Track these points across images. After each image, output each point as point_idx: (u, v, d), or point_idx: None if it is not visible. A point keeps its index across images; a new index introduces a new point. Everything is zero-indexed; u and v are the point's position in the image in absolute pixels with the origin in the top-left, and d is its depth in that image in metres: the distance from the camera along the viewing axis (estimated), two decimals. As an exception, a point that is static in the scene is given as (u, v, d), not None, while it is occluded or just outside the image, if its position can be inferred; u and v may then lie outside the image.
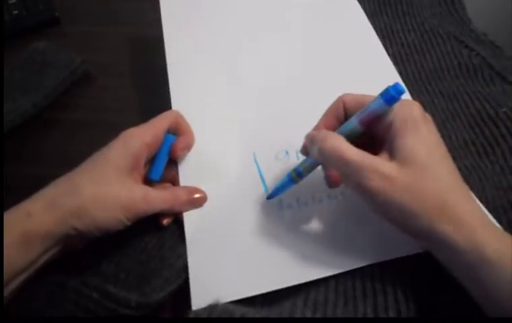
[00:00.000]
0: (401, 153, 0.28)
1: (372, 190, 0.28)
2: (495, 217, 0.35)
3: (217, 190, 0.37)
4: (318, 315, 0.30)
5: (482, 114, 0.44)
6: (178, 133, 0.38)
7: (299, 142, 0.41)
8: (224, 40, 0.50)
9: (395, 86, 0.29)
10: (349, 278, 0.33)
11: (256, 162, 0.40)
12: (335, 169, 0.31)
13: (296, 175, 0.34)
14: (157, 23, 0.49)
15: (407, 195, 0.28)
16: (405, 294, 0.31)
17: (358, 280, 0.32)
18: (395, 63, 0.49)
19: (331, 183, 0.34)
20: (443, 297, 0.31)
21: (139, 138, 0.35)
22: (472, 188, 0.37)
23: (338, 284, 0.32)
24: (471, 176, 0.39)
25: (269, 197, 0.37)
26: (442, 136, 0.42)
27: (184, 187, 0.37)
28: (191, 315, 0.30)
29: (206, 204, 0.37)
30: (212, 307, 0.30)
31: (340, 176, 0.32)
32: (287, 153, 0.40)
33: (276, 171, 0.39)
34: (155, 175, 0.37)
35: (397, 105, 0.30)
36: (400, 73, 0.48)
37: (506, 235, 0.28)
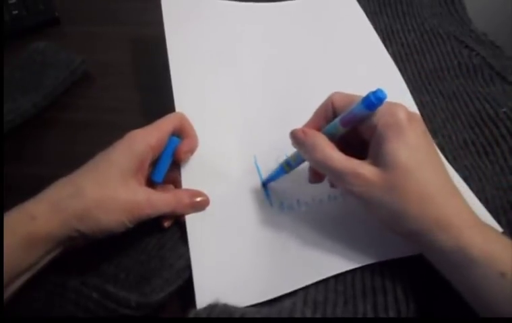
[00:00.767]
0: (383, 159, 0.29)
1: (355, 194, 0.30)
2: (495, 217, 0.35)
3: (219, 191, 0.37)
4: (318, 315, 0.30)
5: (482, 114, 0.44)
6: (182, 136, 0.38)
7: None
8: (226, 43, 0.50)
9: (376, 93, 0.29)
10: (349, 277, 0.33)
11: (257, 165, 0.40)
12: (317, 167, 0.32)
13: (287, 165, 0.36)
14: (157, 23, 0.49)
15: (389, 198, 0.28)
16: (405, 293, 0.31)
17: (358, 280, 0.32)
18: (395, 63, 0.49)
19: (312, 179, 0.35)
20: (443, 296, 0.31)
21: (144, 141, 0.35)
22: (472, 188, 0.37)
23: (338, 284, 0.32)
24: (471, 176, 0.39)
25: (264, 184, 0.39)
26: (442, 136, 0.43)
27: (187, 190, 0.37)
28: (191, 315, 0.30)
29: (208, 207, 0.37)
30: (212, 307, 0.30)
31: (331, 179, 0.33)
32: (287, 156, 0.40)
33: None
34: (158, 177, 0.37)
35: (381, 109, 0.30)
36: (400, 73, 0.48)
37: (494, 234, 0.28)
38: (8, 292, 0.29)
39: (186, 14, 0.51)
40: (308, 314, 0.30)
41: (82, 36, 0.56)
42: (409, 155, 0.29)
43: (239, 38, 0.51)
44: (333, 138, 0.32)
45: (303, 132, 0.33)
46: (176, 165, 0.38)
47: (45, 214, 0.29)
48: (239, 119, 0.43)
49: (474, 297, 0.27)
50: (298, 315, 0.29)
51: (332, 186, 0.36)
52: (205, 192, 0.37)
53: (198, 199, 0.36)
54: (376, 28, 0.54)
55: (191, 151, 0.39)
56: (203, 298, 0.31)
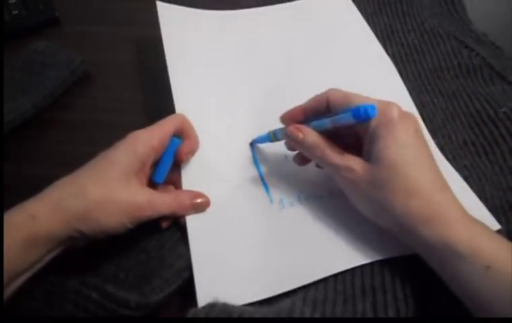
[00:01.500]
0: (373, 155, 0.31)
1: (343, 187, 0.33)
2: (494, 217, 0.35)
3: (219, 192, 0.37)
4: (317, 314, 0.30)
5: (482, 114, 0.44)
6: (183, 137, 0.38)
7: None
8: (224, 44, 0.50)
9: (367, 109, 0.29)
10: (348, 276, 0.33)
11: (257, 164, 0.40)
12: (316, 161, 0.35)
13: (274, 137, 0.38)
14: (157, 23, 0.49)
15: (377, 193, 0.30)
16: (404, 292, 0.31)
17: (357, 279, 0.32)
18: (395, 63, 0.49)
19: (298, 161, 0.37)
20: (442, 295, 0.31)
21: (146, 141, 0.35)
22: (472, 188, 0.37)
23: (337, 283, 0.32)
24: (471, 176, 0.39)
25: (252, 143, 0.41)
26: (442, 136, 0.43)
27: (188, 191, 0.37)
28: (190, 315, 0.30)
29: (208, 208, 0.37)
30: (211, 306, 0.30)
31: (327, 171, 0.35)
32: (286, 157, 0.40)
33: (276, 172, 0.39)
34: (159, 178, 0.37)
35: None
36: (400, 73, 0.48)
37: (480, 227, 0.28)
38: (8, 291, 0.29)
39: (183, 19, 0.51)
40: (308, 313, 0.30)
41: (82, 35, 0.56)
42: (398, 152, 0.30)
43: (237, 40, 0.51)
44: (320, 132, 0.34)
45: (298, 130, 0.34)
46: (177, 166, 0.38)
47: (46, 214, 0.29)
48: (239, 120, 0.43)
49: (461, 291, 0.28)
50: (297, 314, 0.29)
51: (300, 164, 0.38)
52: (206, 192, 0.37)
53: (199, 200, 0.36)
54: (376, 28, 0.54)
55: (192, 151, 0.39)
56: (204, 297, 0.31)
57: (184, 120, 0.39)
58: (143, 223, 0.33)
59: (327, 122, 0.33)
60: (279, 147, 0.41)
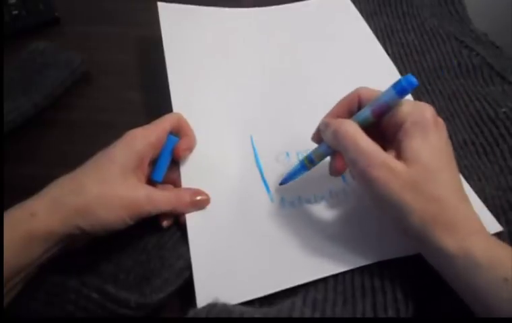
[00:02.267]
0: (406, 153, 0.29)
1: (376, 180, 0.29)
2: (494, 217, 0.35)
3: (219, 190, 0.37)
4: (317, 314, 0.30)
5: (482, 114, 0.44)
6: (180, 135, 0.39)
7: (299, 143, 0.41)
8: (223, 43, 0.50)
9: (407, 78, 0.29)
10: (348, 276, 0.33)
11: (257, 163, 0.40)
12: (345, 153, 0.31)
13: (308, 162, 0.36)
14: (157, 23, 0.49)
15: (406, 193, 0.28)
16: (404, 293, 0.31)
17: (357, 279, 0.32)
18: (395, 63, 0.49)
19: (334, 171, 0.35)
20: (442, 296, 0.31)
21: (143, 138, 0.35)
22: (472, 188, 0.37)
23: (337, 283, 0.32)
24: (471, 176, 0.39)
25: (282, 183, 0.38)
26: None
27: (188, 188, 0.37)
28: (190, 315, 0.30)
29: (208, 205, 0.37)
30: (211, 306, 0.30)
31: (347, 161, 0.32)
32: (287, 154, 0.40)
33: (277, 172, 0.39)
34: (158, 176, 0.37)
35: (410, 107, 0.31)
36: (400, 73, 0.48)
37: (497, 241, 0.28)
38: (8, 288, 0.29)
39: (183, 18, 0.51)
40: (308, 313, 0.30)
41: (82, 35, 0.56)
42: (432, 156, 0.29)
43: (235, 40, 0.51)
44: (360, 127, 0.31)
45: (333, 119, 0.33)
46: (176, 165, 0.38)
47: (45, 211, 0.29)
48: (238, 118, 0.43)
49: (477, 302, 0.27)
50: (297, 314, 0.29)
51: (332, 174, 0.35)
52: (206, 190, 0.37)
53: (198, 198, 0.36)
54: (376, 28, 0.54)
55: (190, 149, 0.39)
56: (203, 296, 0.31)
57: (180, 117, 0.39)
58: (143, 220, 0.33)
59: (366, 112, 0.32)
60: (279, 147, 0.41)
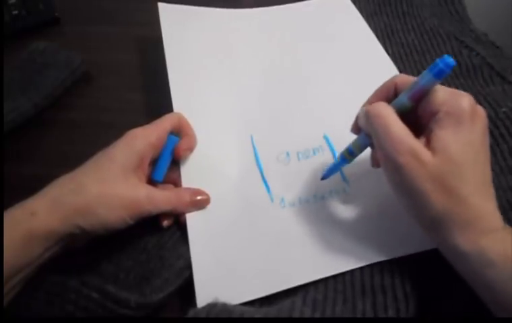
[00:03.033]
0: (435, 143, 0.28)
1: (401, 167, 0.28)
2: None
3: (219, 190, 0.37)
4: (317, 314, 0.30)
5: (482, 114, 0.44)
6: (180, 134, 0.39)
7: (300, 143, 0.41)
8: (224, 43, 0.50)
9: (444, 59, 0.28)
10: (348, 276, 0.33)
11: (257, 163, 0.40)
12: (374, 135, 0.31)
13: (348, 154, 0.35)
14: (157, 23, 0.49)
15: (428, 184, 0.28)
16: (404, 292, 0.31)
17: (357, 279, 0.32)
18: (395, 63, 0.49)
19: (375, 163, 0.34)
20: (442, 296, 0.31)
21: (143, 138, 0.35)
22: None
23: (337, 283, 0.32)
24: (471, 176, 0.39)
25: (323, 178, 0.37)
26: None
27: (188, 188, 0.37)
28: (190, 315, 0.30)
29: (208, 205, 0.37)
30: (211, 306, 0.30)
31: (375, 144, 0.31)
32: (288, 154, 0.40)
33: (277, 172, 0.39)
34: (158, 176, 0.37)
35: (446, 95, 0.29)
36: (400, 73, 0.48)
37: None
38: (7, 287, 0.29)
39: (183, 19, 0.51)
40: (308, 313, 0.30)
41: (82, 35, 0.56)
42: (460, 149, 0.28)
43: (236, 40, 0.51)
44: (397, 114, 0.30)
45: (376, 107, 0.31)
46: (176, 165, 0.38)
47: (45, 210, 0.29)
48: (238, 118, 0.43)
49: (491, 298, 0.27)
50: (297, 314, 0.29)
51: (374, 166, 0.35)
52: (206, 190, 0.37)
53: (198, 197, 0.36)
54: (376, 28, 0.54)
55: (190, 148, 0.39)
56: (203, 296, 0.32)
57: (180, 117, 0.39)
58: (143, 221, 0.33)
59: (403, 97, 0.31)
60: (280, 147, 0.41)
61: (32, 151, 0.44)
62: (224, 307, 0.30)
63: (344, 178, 0.39)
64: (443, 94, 0.29)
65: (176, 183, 0.38)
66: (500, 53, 0.51)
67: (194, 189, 0.37)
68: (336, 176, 0.38)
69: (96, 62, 0.51)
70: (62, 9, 0.58)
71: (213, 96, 0.45)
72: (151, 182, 0.37)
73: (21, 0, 0.56)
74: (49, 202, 0.30)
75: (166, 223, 0.35)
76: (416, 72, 0.50)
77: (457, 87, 0.48)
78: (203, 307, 0.30)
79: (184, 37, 0.50)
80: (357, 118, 0.34)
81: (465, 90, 0.31)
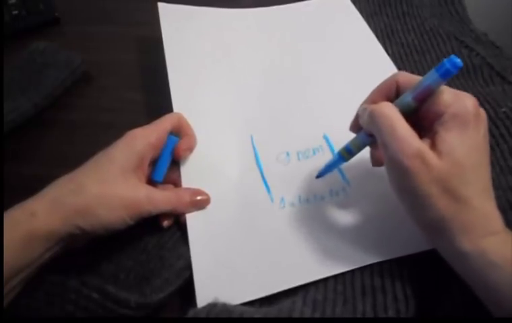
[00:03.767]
0: (441, 146, 0.28)
1: (407, 169, 0.28)
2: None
3: (219, 190, 0.37)
4: (317, 314, 0.30)
5: (482, 114, 0.44)
6: (180, 135, 0.39)
7: (300, 143, 0.41)
8: (224, 43, 0.50)
9: (451, 59, 0.27)
10: (348, 277, 0.33)
11: (257, 163, 0.40)
12: (378, 135, 0.30)
13: (346, 153, 0.34)
14: (157, 23, 0.49)
15: (433, 187, 0.27)
16: (404, 293, 0.31)
17: (357, 279, 0.32)
18: (395, 63, 0.49)
19: (375, 162, 0.34)
20: (442, 296, 0.31)
21: (144, 138, 0.35)
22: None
23: (337, 283, 0.32)
24: (471, 176, 0.39)
25: (318, 176, 0.37)
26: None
27: (188, 188, 0.37)
28: (190, 315, 0.30)
29: (208, 205, 0.37)
30: (211, 306, 0.30)
31: (379, 144, 0.31)
32: (288, 154, 0.40)
33: (277, 172, 0.39)
34: (158, 176, 0.37)
35: (452, 97, 0.29)
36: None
37: None
38: (8, 288, 0.29)
39: (183, 19, 0.51)
40: (308, 313, 0.30)
41: (82, 35, 0.56)
42: (466, 153, 0.28)
43: (236, 40, 0.51)
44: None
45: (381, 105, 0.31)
46: (176, 165, 0.38)
47: (45, 211, 0.29)
48: (238, 118, 0.43)
49: (491, 299, 0.27)
50: (297, 314, 0.29)
51: (374, 165, 0.34)
52: (206, 190, 0.37)
53: (199, 198, 0.36)
54: (376, 28, 0.54)
55: (190, 148, 0.39)
56: (203, 296, 0.32)
57: (180, 117, 0.39)
58: (143, 220, 0.33)
59: (407, 97, 0.30)
60: (280, 147, 0.41)
61: (32, 151, 0.44)
62: (224, 307, 0.30)
63: (344, 178, 0.39)
64: (449, 95, 0.29)
65: (176, 183, 0.38)
66: (500, 53, 0.51)
67: (194, 189, 0.37)
68: (336, 176, 0.38)
69: (96, 62, 0.51)
70: (62, 9, 0.58)
71: (213, 96, 0.45)
72: (151, 182, 0.37)
73: (21, 0, 0.56)
74: (49, 203, 0.30)
75: (166, 223, 0.35)
76: (415, 72, 0.50)
77: (457, 87, 0.47)
78: (203, 307, 0.30)
79: (184, 37, 0.50)
80: (357, 116, 0.34)
81: (465, 90, 0.30)
